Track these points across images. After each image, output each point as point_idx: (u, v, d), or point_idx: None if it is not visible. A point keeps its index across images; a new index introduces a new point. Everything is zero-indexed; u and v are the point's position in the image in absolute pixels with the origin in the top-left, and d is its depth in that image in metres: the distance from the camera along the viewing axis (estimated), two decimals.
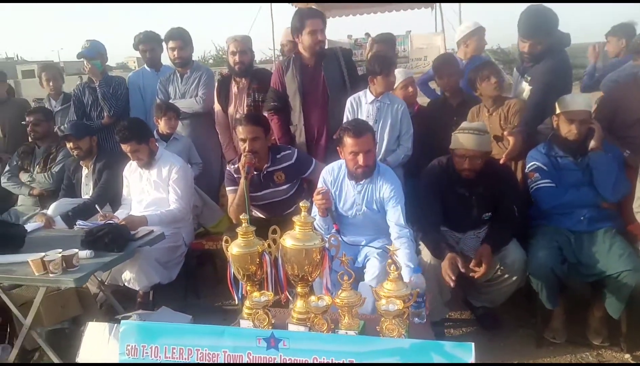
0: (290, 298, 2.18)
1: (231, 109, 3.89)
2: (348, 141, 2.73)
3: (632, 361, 2.72)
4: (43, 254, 2.50)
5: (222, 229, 3.82)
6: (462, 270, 2.65)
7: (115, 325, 2.61)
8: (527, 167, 3.02)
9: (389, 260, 1.94)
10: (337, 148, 2.89)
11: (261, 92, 3.75)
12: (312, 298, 2.00)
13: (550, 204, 2.89)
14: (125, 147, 3.41)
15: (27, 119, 4.30)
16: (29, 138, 4.40)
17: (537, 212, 2.99)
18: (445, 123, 3.26)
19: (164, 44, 4.32)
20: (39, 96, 6.29)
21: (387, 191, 2.81)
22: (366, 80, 3.45)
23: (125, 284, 3.20)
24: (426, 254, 2.83)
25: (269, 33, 11.32)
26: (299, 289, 2.05)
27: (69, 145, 3.78)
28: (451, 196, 2.89)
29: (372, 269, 2.73)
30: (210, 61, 21.58)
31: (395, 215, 2.77)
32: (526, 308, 3.09)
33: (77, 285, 2.46)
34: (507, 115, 3.21)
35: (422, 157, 3.31)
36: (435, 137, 3.32)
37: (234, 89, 3.88)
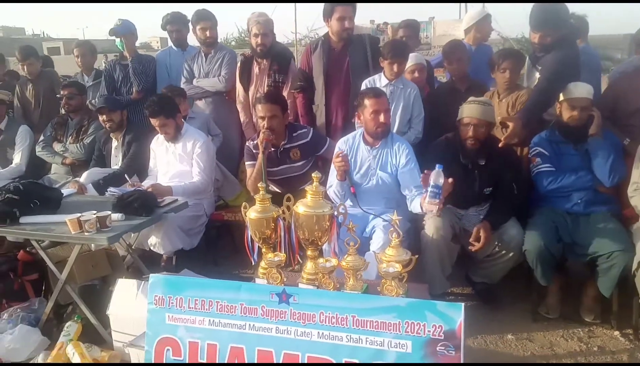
0: (300, 261, 2.40)
1: (252, 89, 4.09)
2: (369, 101, 2.99)
3: (621, 338, 2.89)
4: (79, 214, 2.75)
5: (241, 203, 4.05)
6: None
7: (143, 281, 2.88)
8: (530, 152, 3.18)
9: (391, 228, 2.16)
10: (356, 114, 3.17)
11: (281, 73, 3.95)
12: (321, 259, 2.22)
13: (549, 187, 3.05)
14: (154, 121, 3.65)
15: (61, 92, 4.56)
16: (62, 110, 4.68)
17: (537, 194, 3.16)
18: (453, 107, 3.40)
19: (189, 25, 4.51)
20: (65, 72, 6.56)
21: (403, 156, 3.07)
22: None
23: (151, 248, 3.47)
24: (429, 229, 2.99)
25: (291, 16, 11.46)
26: (309, 252, 2.27)
27: (102, 117, 4.03)
28: (455, 168, 2.99)
29: (377, 240, 2.93)
30: (233, 43, 21.76)
31: (413, 178, 3.01)
32: (524, 284, 3.26)
33: (109, 243, 2.71)
34: (515, 103, 3.36)
35: (431, 140, 3.48)
36: (443, 121, 3.48)
37: (255, 69, 4.07)
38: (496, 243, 2.98)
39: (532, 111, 3.11)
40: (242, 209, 2.36)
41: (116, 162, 4.07)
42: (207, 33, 4.35)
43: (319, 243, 2.24)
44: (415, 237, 3.11)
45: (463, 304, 1.85)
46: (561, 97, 3.12)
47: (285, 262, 2.27)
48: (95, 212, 2.79)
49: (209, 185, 3.83)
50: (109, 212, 2.80)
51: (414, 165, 3.08)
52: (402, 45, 3.68)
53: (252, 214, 2.28)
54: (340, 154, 2.99)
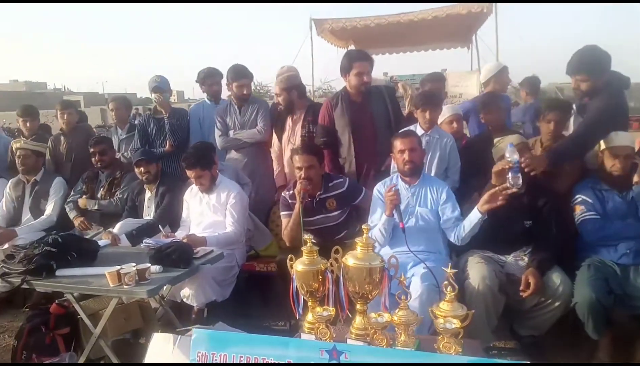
0: (349, 314, 2.32)
1: (284, 139, 4.13)
2: (396, 142, 3.16)
3: None
4: (119, 267, 2.73)
5: (272, 253, 4.03)
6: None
7: (180, 336, 2.80)
8: (572, 200, 3.13)
9: (445, 281, 2.09)
10: (390, 155, 3.26)
11: (315, 123, 3.99)
12: (373, 314, 2.14)
13: (596, 235, 2.98)
14: (190, 173, 3.67)
15: (91, 150, 4.56)
16: (94, 165, 4.72)
17: (583, 244, 3.08)
18: (489, 156, 3.39)
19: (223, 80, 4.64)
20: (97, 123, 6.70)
21: (444, 193, 3.13)
22: (408, 117, 3.68)
23: (184, 300, 3.40)
24: (474, 279, 2.91)
25: (308, 68, 11.73)
26: (358, 306, 2.19)
27: (140, 169, 4.07)
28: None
29: (415, 290, 2.85)
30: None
31: (454, 209, 3.08)
32: (572, 337, 3.13)
33: (149, 296, 2.67)
34: None
35: (467, 189, 3.45)
36: (480, 170, 3.45)
37: (289, 120, 4.13)
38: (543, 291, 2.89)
39: (561, 153, 3.09)
40: (287, 261, 2.32)
41: (149, 213, 4.08)
42: (244, 91, 4.43)
43: (370, 297, 2.17)
44: (461, 287, 3.02)
45: (529, 362, 1.76)
46: (602, 146, 3.10)
47: (334, 313, 2.21)
48: (134, 264, 2.76)
49: (242, 235, 3.80)
50: (148, 264, 2.78)
51: (454, 200, 3.13)
52: (434, 94, 3.73)
53: (299, 266, 2.23)
54: (393, 187, 3.00)
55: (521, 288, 2.84)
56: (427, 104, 3.52)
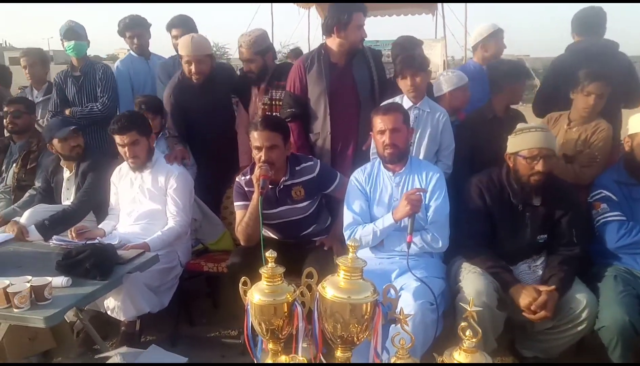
0: (323, 360, 1.68)
1: (251, 111, 3.44)
2: (375, 120, 2.57)
3: None
4: (7, 282, 1.98)
5: (224, 246, 3.33)
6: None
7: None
8: (591, 195, 2.58)
9: (463, 323, 1.48)
10: (370, 134, 2.67)
11: (280, 89, 3.28)
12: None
13: (621, 242, 2.45)
14: (122, 139, 2.89)
15: (5, 109, 3.75)
16: (4, 132, 3.86)
17: (600, 249, 2.55)
18: (492, 137, 2.79)
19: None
20: (26, 83, 5.75)
21: (433, 181, 2.53)
22: (394, 85, 3.02)
23: (108, 312, 2.68)
24: (469, 293, 2.33)
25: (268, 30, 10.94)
26: (338, 353, 1.56)
27: (69, 144, 3.20)
28: (501, 210, 2.50)
29: (405, 309, 2.23)
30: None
31: (436, 212, 2.51)
32: (579, 356, 2.64)
33: (47, 325, 1.94)
34: (590, 138, 2.81)
35: (462, 177, 2.85)
36: (479, 154, 2.86)
37: (254, 89, 3.44)
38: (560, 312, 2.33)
39: None
40: (240, 286, 1.64)
41: (68, 196, 3.25)
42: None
43: (356, 341, 1.54)
44: (452, 300, 2.45)
45: None
46: (630, 130, 2.55)
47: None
48: (30, 278, 2.03)
49: (188, 227, 3.08)
50: (49, 279, 2.04)
51: (443, 195, 2.53)
52: (416, 56, 3.10)
53: (256, 297, 1.56)
54: (417, 191, 2.41)
55: (533, 307, 2.26)
56: (407, 68, 2.88)
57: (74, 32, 3.78)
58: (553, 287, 2.27)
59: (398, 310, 2.21)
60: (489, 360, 1.45)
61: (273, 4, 10.05)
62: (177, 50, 3.74)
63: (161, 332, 3.10)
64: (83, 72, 3.84)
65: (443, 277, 2.53)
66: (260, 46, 3.33)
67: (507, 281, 2.36)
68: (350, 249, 1.51)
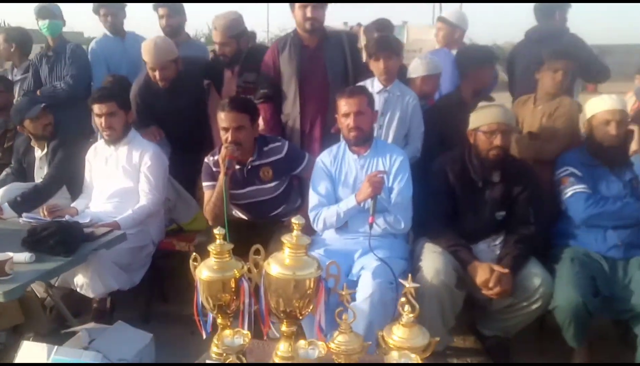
0: (275, 331, 1.72)
1: (224, 91, 3.45)
2: (340, 102, 2.60)
3: None
4: None
5: (199, 227, 3.36)
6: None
7: (56, 347, 2.16)
8: (557, 173, 2.62)
9: (403, 298, 1.52)
10: (335, 116, 2.69)
11: (253, 71, 3.28)
12: (301, 343, 1.56)
13: (589, 211, 2.48)
14: (100, 108, 2.91)
15: None
16: None
17: (563, 228, 2.60)
18: (459, 122, 2.82)
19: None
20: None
21: (397, 163, 2.57)
22: (369, 69, 3.04)
23: (78, 289, 2.72)
24: (427, 272, 2.40)
25: (263, 13, 10.84)
26: (283, 327, 1.60)
27: (40, 122, 3.20)
28: (462, 188, 2.55)
29: (364, 288, 2.30)
30: (202, 40, 20.80)
31: (399, 192, 2.56)
32: (541, 337, 2.70)
33: (6, 299, 1.97)
34: (554, 113, 2.86)
35: (431, 159, 2.88)
36: (448, 138, 2.89)
37: (227, 73, 3.43)
38: (516, 290, 2.39)
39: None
40: (191, 262, 1.67)
41: (40, 175, 3.27)
42: (164, 21, 3.79)
43: (299, 316, 1.58)
44: (413, 279, 2.49)
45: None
46: (588, 113, 2.59)
47: (250, 339, 1.62)
48: None
49: (160, 206, 3.11)
50: (10, 254, 2.07)
51: (407, 177, 2.57)
52: (391, 38, 3.11)
53: (204, 272, 1.60)
54: (379, 173, 2.47)
55: (489, 284, 2.32)
56: (381, 50, 2.90)
57: (48, 11, 3.76)
58: (506, 270, 2.32)
59: (358, 293, 2.30)
60: (427, 334, 1.49)
61: None
62: (163, 31, 3.78)
63: (135, 310, 3.14)
64: (55, 52, 3.84)
65: (406, 258, 2.58)
66: (235, 30, 3.33)
67: (465, 259, 2.42)
68: (295, 227, 1.54)
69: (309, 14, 3.00)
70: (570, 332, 2.31)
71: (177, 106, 3.34)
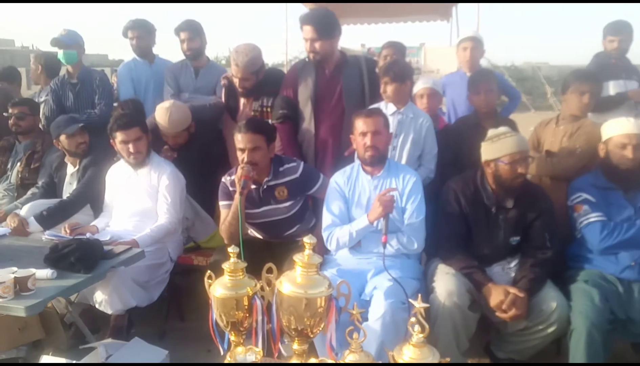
0: (283, 352, 1.75)
1: (240, 117, 3.51)
2: (358, 122, 2.65)
3: None
4: None
5: (216, 244, 3.41)
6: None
7: (75, 362, 2.22)
8: (570, 199, 2.61)
9: (412, 319, 1.54)
10: (350, 137, 2.74)
11: (271, 96, 3.34)
12: (312, 360, 1.59)
13: (605, 243, 2.47)
14: (126, 136, 3.00)
15: (10, 110, 3.88)
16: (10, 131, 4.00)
17: (579, 252, 2.58)
18: (476, 144, 2.84)
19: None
20: None
21: (409, 185, 2.60)
22: None
23: (96, 306, 2.78)
24: (441, 293, 2.41)
25: (282, 36, 11.10)
26: (295, 345, 1.63)
27: (80, 140, 3.35)
28: (475, 213, 2.56)
29: (377, 308, 2.31)
30: (223, 62, 21.23)
31: (411, 213, 2.59)
32: (558, 360, 2.66)
33: (28, 314, 2.04)
34: (575, 133, 2.89)
35: (445, 181, 2.89)
36: (463, 162, 2.90)
37: (242, 100, 3.51)
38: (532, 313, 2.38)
39: None
40: (205, 280, 1.72)
41: (69, 191, 3.37)
42: (185, 45, 3.88)
43: (311, 334, 1.61)
44: (426, 300, 2.50)
45: None
46: (605, 136, 2.59)
47: (262, 356, 1.65)
48: (15, 269, 2.13)
49: (178, 225, 3.18)
50: (33, 271, 2.14)
51: (420, 198, 2.60)
52: (401, 63, 3.15)
53: (217, 290, 1.64)
54: (390, 191, 2.50)
55: (503, 307, 2.32)
56: (387, 75, 2.94)
57: (59, 42, 3.87)
58: (523, 294, 2.32)
59: (370, 313, 2.32)
60: (437, 354, 1.50)
61: (287, 5, 10.11)
62: (185, 55, 3.90)
63: (152, 326, 3.19)
64: (80, 79, 3.96)
65: (419, 278, 2.59)
66: (255, 66, 3.35)
67: (480, 281, 2.41)
68: (307, 246, 1.58)
69: (308, 48, 3.10)
70: (584, 356, 2.27)
71: (189, 160, 3.37)
